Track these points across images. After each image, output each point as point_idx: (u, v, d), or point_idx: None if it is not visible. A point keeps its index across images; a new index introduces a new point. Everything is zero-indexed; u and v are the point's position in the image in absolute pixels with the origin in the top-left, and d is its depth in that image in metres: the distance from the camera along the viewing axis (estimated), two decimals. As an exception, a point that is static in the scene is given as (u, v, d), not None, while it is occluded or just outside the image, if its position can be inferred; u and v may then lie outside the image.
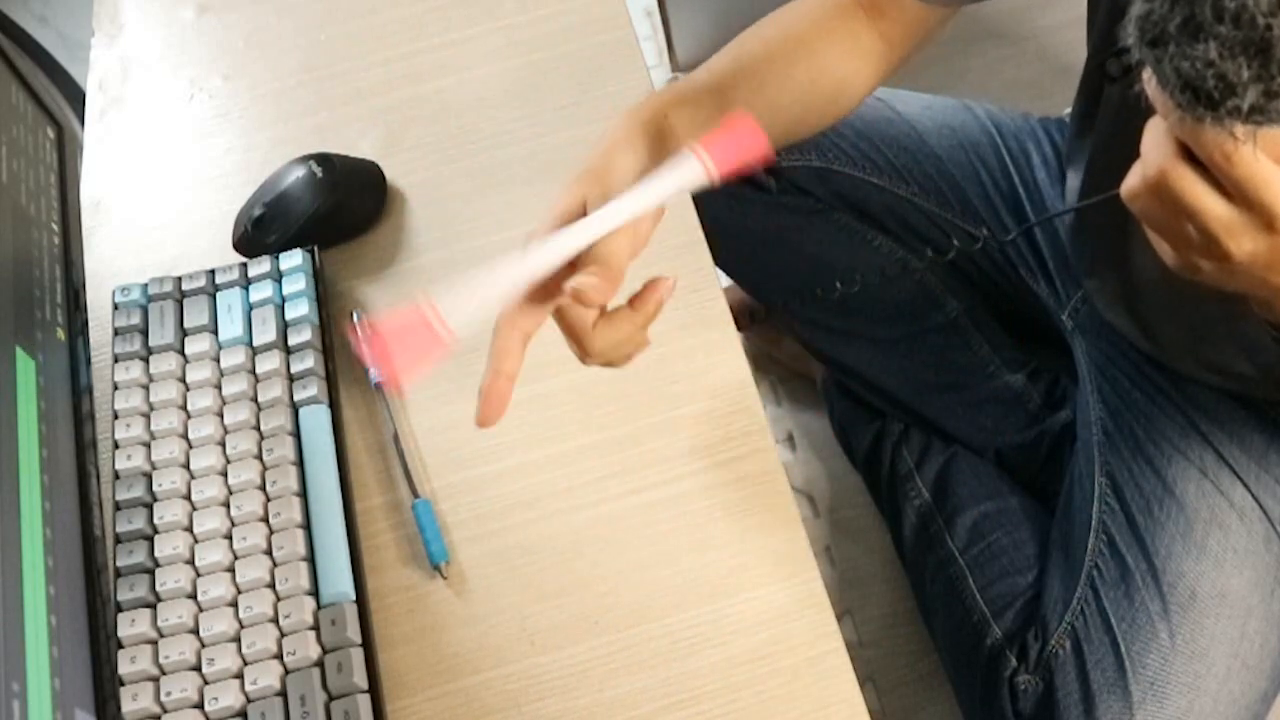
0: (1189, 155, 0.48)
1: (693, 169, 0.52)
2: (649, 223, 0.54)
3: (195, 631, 0.58)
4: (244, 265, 0.71)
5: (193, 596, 0.59)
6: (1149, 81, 0.44)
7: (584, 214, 0.54)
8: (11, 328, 0.56)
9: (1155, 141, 0.49)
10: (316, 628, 0.58)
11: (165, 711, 0.55)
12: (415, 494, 0.63)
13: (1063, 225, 0.93)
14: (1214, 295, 0.55)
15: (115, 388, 0.66)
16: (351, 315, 0.70)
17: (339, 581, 0.59)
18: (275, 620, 0.58)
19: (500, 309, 0.53)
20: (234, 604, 0.58)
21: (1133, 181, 0.50)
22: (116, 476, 0.63)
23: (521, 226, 0.73)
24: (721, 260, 0.74)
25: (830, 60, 0.68)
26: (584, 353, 0.54)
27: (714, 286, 0.69)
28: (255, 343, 0.68)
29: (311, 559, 0.60)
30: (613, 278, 0.51)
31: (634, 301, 0.53)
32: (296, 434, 0.64)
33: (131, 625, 0.57)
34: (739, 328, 0.69)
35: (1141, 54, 0.43)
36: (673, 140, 0.59)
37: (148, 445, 0.64)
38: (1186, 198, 0.48)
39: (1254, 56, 0.40)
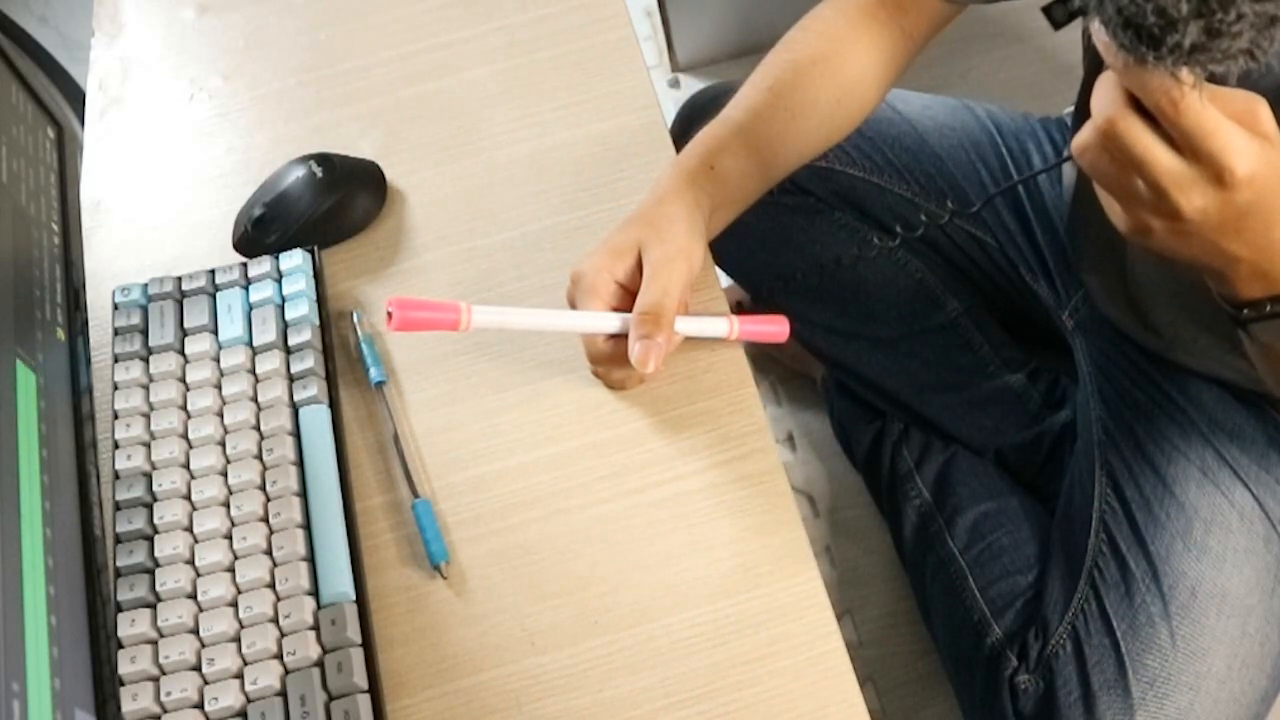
0: (1138, 107, 0.47)
1: (721, 327, 0.65)
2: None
3: (195, 631, 0.58)
4: (244, 265, 0.71)
5: (193, 596, 0.59)
6: (1094, 27, 0.44)
7: (638, 254, 0.63)
8: (11, 327, 0.56)
9: (1104, 93, 0.48)
10: (316, 628, 0.58)
11: (165, 711, 0.55)
12: (415, 494, 0.63)
13: (1060, 222, 0.93)
14: (1185, 278, 0.55)
15: (115, 388, 0.66)
16: (352, 315, 0.70)
17: (339, 581, 0.59)
18: (275, 620, 0.58)
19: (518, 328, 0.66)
20: (234, 604, 0.58)
21: (1083, 135, 0.50)
22: (116, 476, 0.63)
23: (521, 226, 0.73)
24: (722, 260, 0.74)
25: (854, 74, 0.71)
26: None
27: (714, 286, 0.69)
28: (255, 343, 0.68)
29: (311, 559, 0.60)
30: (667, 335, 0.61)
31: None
32: (296, 434, 0.64)
33: (131, 625, 0.57)
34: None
35: None
36: (718, 185, 0.66)
37: (148, 445, 0.64)
38: (1135, 148, 0.48)
39: None
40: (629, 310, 0.62)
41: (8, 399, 0.53)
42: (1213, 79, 0.44)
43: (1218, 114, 0.46)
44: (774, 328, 0.68)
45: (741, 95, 0.71)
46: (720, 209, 0.67)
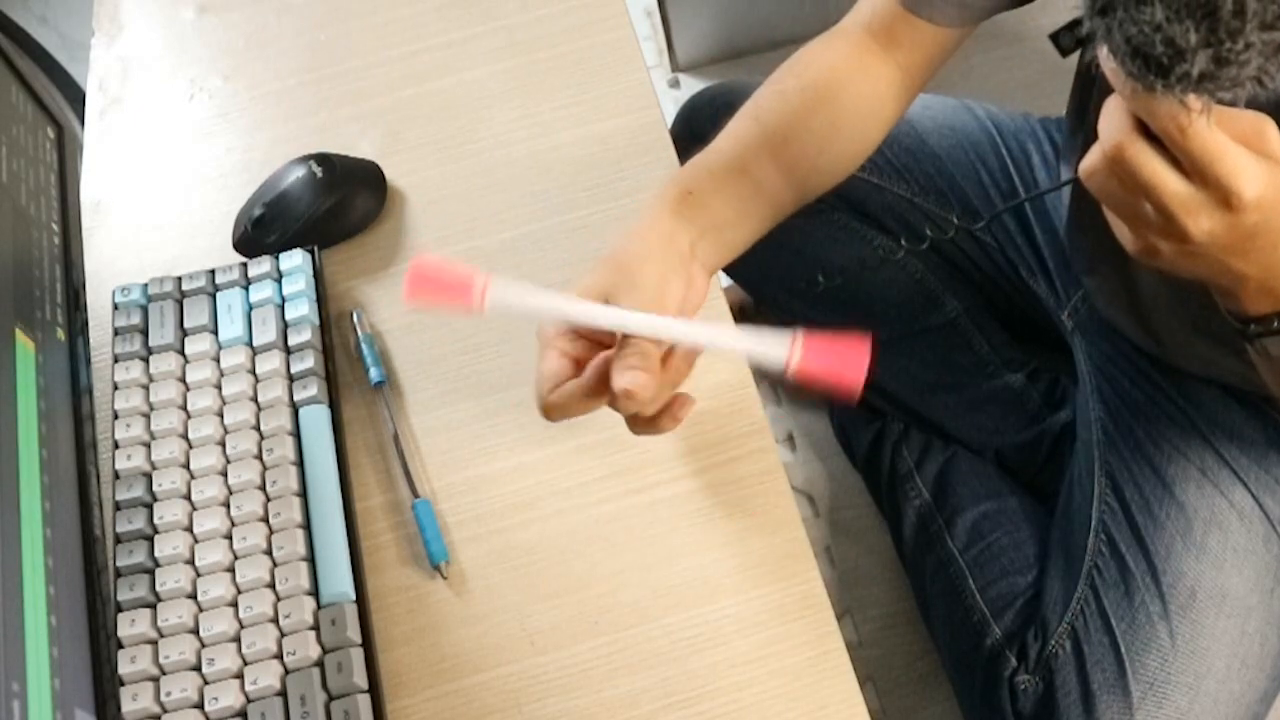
0: (1145, 131, 0.47)
1: (780, 353, 0.51)
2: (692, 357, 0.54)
3: (195, 631, 0.58)
4: (244, 265, 0.71)
5: (193, 596, 0.59)
6: (1102, 54, 0.44)
7: (604, 301, 0.54)
8: (11, 318, 0.56)
9: (1111, 117, 0.48)
10: (316, 628, 0.58)
11: (165, 711, 0.55)
12: (415, 494, 0.63)
13: (1060, 223, 0.93)
14: (1188, 286, 0.55)
15: (115, 388, 0.66)
16: (352, 315, 0.70)
17: (339, 581, 0.59)
18: (275, 620, 0.58)
19: (541, 318, 0.55)
20: (234, 604, 0.58)
21: (1090, 159, 0.50)
22: (116, 476, 0.63)
23: (521, 226, 0.73)
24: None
25: (847, 102, 0.68)
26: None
27: (714, 287, 0.69)
28: (255, 343, 0.68)
29: (311, 559, 0.60)
30: (653, 373, 0.51)
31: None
32: (296, 434, 0.64)
33: (131, 625, 0.57)
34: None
35: (1092, 24, 0.43)
36: (698, 210, 0.60)
37: (148, 445, 0.64)
38: (1143, 173, 0.48)
39: (1201, 20, 0.40)
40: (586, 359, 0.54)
41: (7, 400, 0.53)
42: (1220, 102, 0.44)
43: (1225, 138, 0.46)
44: (851, 361, 0.53)
45: (727, 127, 0.67)
46: (709, 233, 0.61)
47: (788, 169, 0.66)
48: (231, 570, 0.60)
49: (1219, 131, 0.46)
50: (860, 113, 0.69)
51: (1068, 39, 0.49)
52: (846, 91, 0.68)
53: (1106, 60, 0.44)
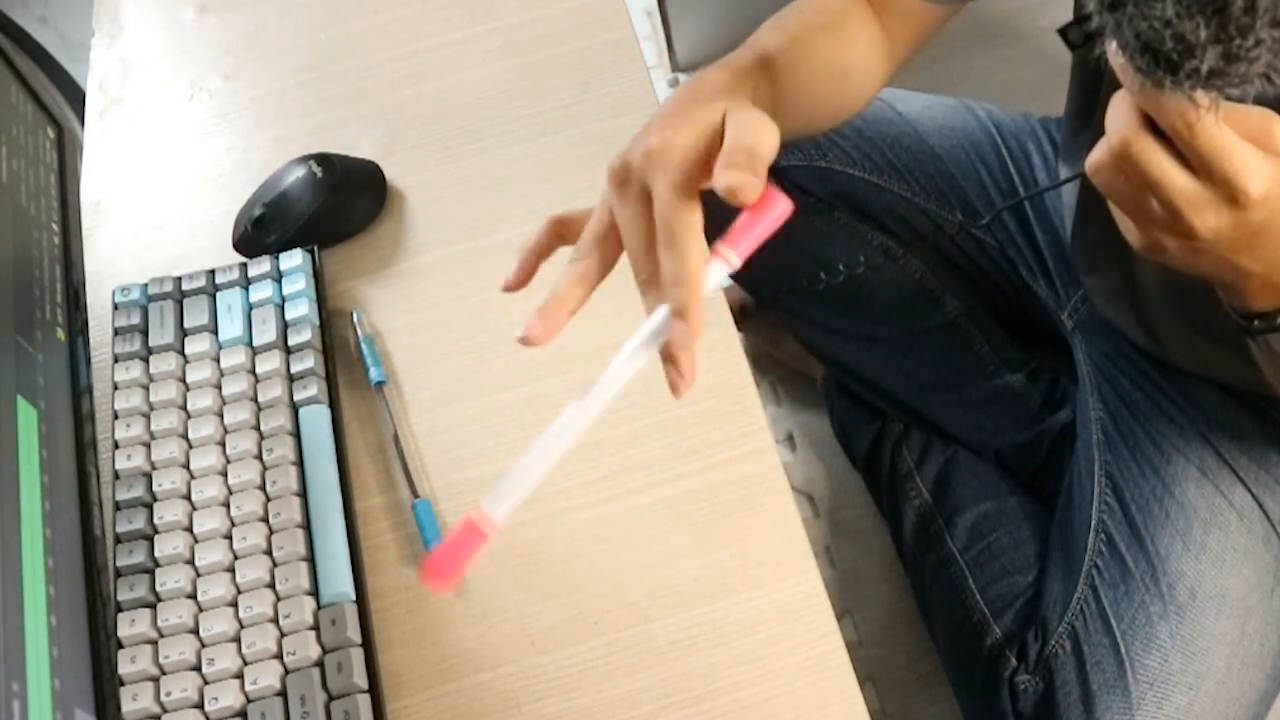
0: (1153, 127, 0.47)
1: (720, 270, 0.52)
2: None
3: (195, 631, 0.58)
4: (244, 265, 0.71)
5: (193, 596, 0.59)
6: (1111, 49, 0.44)
7: (722, 125, 0.53)
8: (11, 325, 0.56)
9: (1119, 113, 0.48)
10: (316, 628, 0.58)
11: (165, 711, 0.55)
12: (415, 494, 0.63)
13: (1060, 223, 0.93)
14: (1191, 283, 0.55)
15: (115, 388, 0.66)
16: (351, 315, 0.70)
17: (339, 581, 0.59)
18: (275, 620, 0.58)
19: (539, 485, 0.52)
20: (234, 604, 0.58)
21: (1097, 154, 0.50)
22: (116, 476, 0.63)
23: (521, 226, 0.73)
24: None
25: (858, 53, 0.68)
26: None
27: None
28: (255, 343, 0.68)
29: (311, 559, 0.60)
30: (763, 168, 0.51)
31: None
32: (296, 434, 0.64)
33: (131, 625, 0.57)
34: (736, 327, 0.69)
35: (1101, 18, 0.43)
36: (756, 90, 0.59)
37: (148, 445, 0.64)
38: (1150, 169, 0.48)
39: (1211, 16, 0.40)
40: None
41: (7, 400, 0.53)
42: (1228, 98, 0.44)
43: (1232, 135, 0.46)
44: (765, 215, 0.54)
45: (765, 35, 0.66)
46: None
47: (806, 97, 0.65)
48: (231, 570, 0.60)
49: (1226, 128, 0.46)
50: (865, 66, 0.68)
51: (1076, 33, 0.49)
52: (858, 42, 0.68)
53: (1115, 55, 0.44)
